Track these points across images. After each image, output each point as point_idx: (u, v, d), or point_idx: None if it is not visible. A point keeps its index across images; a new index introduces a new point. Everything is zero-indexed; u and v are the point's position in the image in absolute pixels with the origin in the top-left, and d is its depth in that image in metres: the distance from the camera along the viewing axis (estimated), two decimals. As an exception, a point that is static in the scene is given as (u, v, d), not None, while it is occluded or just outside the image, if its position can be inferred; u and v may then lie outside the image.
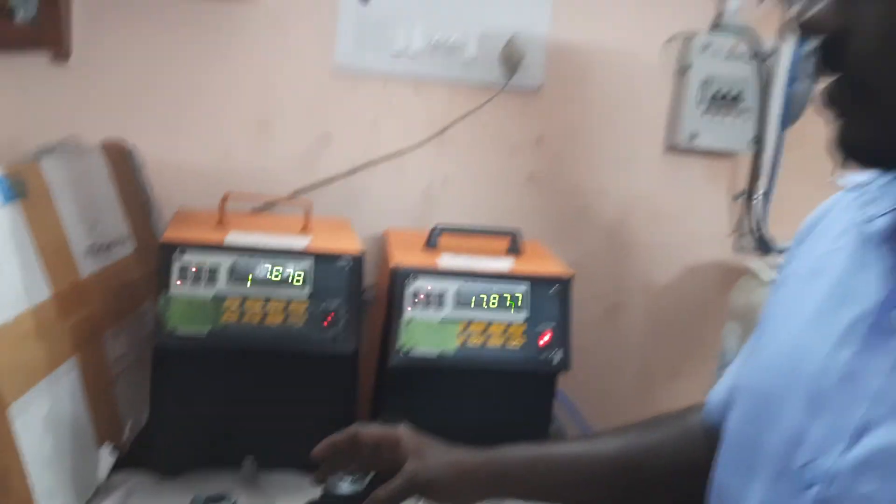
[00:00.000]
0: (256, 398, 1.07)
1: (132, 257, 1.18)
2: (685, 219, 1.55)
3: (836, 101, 0.54)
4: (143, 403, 1.15)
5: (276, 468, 1.08)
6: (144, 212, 1.28)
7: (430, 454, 0.78)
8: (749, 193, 1.51)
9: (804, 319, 0.62)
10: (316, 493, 0.94)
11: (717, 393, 0.78)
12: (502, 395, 1.15)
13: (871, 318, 0.55)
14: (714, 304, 1.57)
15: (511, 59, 1.40)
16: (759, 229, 1.52)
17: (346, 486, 0.90)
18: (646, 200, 1.53)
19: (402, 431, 0.80)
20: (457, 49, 1.40)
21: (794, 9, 0.54)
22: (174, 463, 1.06)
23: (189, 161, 1.36)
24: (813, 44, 0.53)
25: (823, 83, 0.55)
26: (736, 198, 1.53)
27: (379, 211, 1.44)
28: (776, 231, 1.54)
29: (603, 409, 1.53)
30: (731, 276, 1.53)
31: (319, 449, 0.78)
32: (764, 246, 1.52)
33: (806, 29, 0.53)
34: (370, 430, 0.79)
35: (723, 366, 1.33)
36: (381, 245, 1.35)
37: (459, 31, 1.39)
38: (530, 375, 1.14)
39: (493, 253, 1.22)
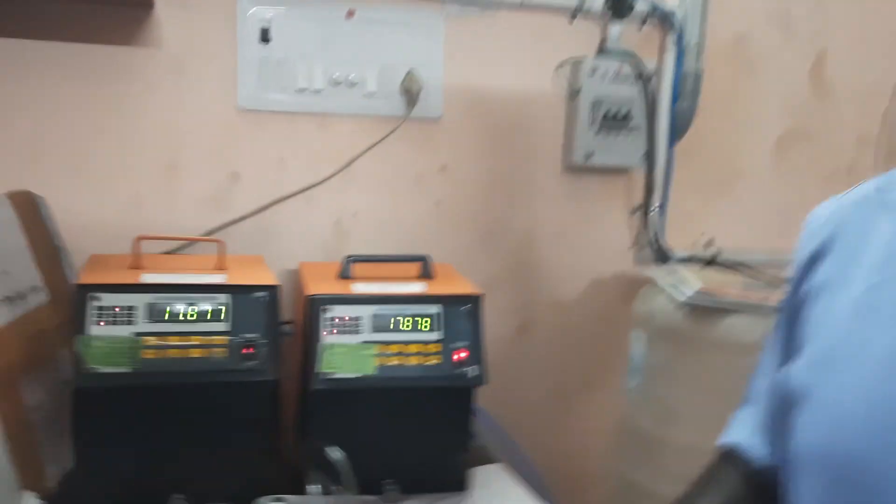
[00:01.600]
0: (180, 435, 1.08)
1: (46, 306, 1.18)
2: (587, 235, 1.63)
3: None
4: (66, 452, 1.15)
5: (209, 503, 1.09)
6: (56, 261, 1.28)
7: None
8: (645, 207, 1.59)
9: (880, 366, 0.53)
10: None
11: (751, 436, 0.75)
12: (422, 413, 1.19)
13: None
14: (619, 315, 1.65)
15: (410, 92, 1.46)
16: (656, 241, 1.61)
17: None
18: (548, 219, 1.60)
19: None
20: (358, 84, 1.45)
21: None
22: (102, 506, 1.06)
23: (98, 209, 1.37)
24: None
25: None
26: (633, 212, 1.62)
27: (291, 247, 1.47)
28: (672, 241, 1.63)
29: (521, 423, 1.58)
30: (634, 286, 1.61)
31: None
32: (662, 256, 1.61)
33: None
34: None
35: (633, 370, 1.40)
36: (296, 279, 1.37)
37: (359, 67, 1.45)
38: (448, 392, 1.19)
39: (405, 279, 1.27)
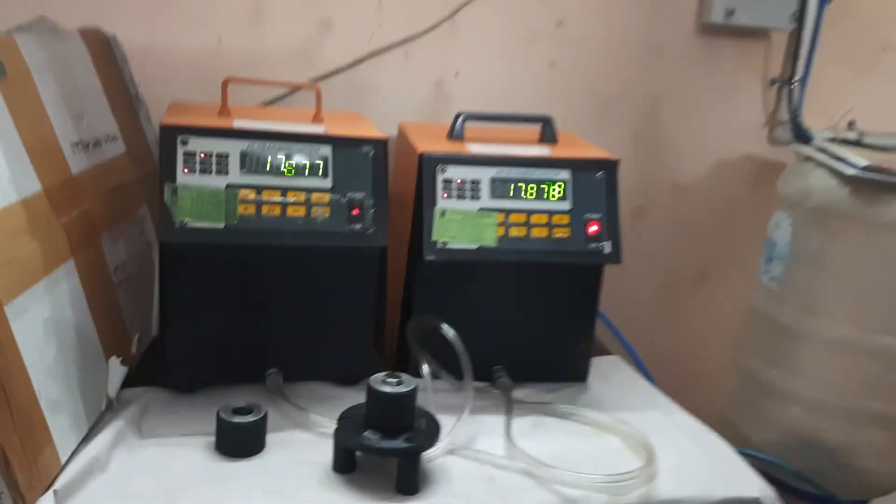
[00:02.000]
0: (276, 303, 0.96)
1: (123, 157, 1.05)
2: (717, 108, 1.44)
3: None
4: (149, 317, 1.04)
5: (303, 380, 0.97)
6: (131, 109, 1.15)
7: None
8: (789, 78, 1.39)
9: None
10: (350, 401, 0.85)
11: None
12: (546, 292, 1.05)
13: None
14: (745, 200, 1.48)
15: (528, -69, 1.27)
16: (796, 118, 1.42)
17: (389, 388, 0.81)
18: (675, 88, 1.42)
19: None
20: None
21: None
22: (189, 378, 0.94)
23: (175, 51, 1.22)
24: None
25: None
26: (772, 83, 1.42)
27: (384, 107, 1.31)
28: (810, 119, 1.44)
29: (628, 316, 1.44)
30: (766, 169, 1.44)
31: None
32: (801, 136, 1.42)
33: None
34: None
35: (774, 257, 1.23)
36: (398, 140, 1.22)
37: None
38: (577, 269, 1.04)
39: (524, 142, 1.10)
